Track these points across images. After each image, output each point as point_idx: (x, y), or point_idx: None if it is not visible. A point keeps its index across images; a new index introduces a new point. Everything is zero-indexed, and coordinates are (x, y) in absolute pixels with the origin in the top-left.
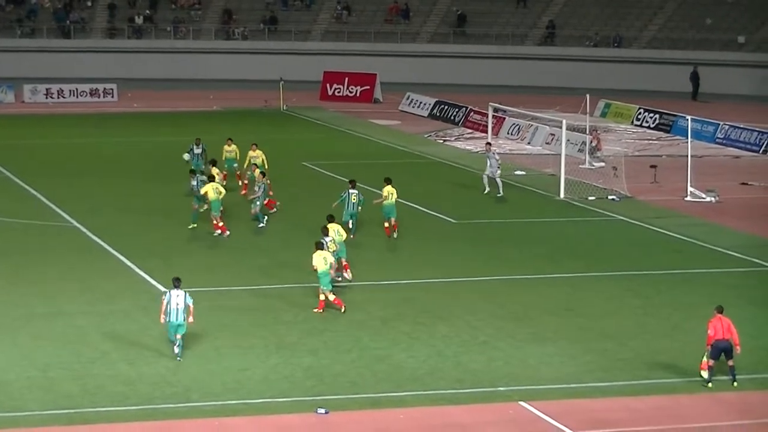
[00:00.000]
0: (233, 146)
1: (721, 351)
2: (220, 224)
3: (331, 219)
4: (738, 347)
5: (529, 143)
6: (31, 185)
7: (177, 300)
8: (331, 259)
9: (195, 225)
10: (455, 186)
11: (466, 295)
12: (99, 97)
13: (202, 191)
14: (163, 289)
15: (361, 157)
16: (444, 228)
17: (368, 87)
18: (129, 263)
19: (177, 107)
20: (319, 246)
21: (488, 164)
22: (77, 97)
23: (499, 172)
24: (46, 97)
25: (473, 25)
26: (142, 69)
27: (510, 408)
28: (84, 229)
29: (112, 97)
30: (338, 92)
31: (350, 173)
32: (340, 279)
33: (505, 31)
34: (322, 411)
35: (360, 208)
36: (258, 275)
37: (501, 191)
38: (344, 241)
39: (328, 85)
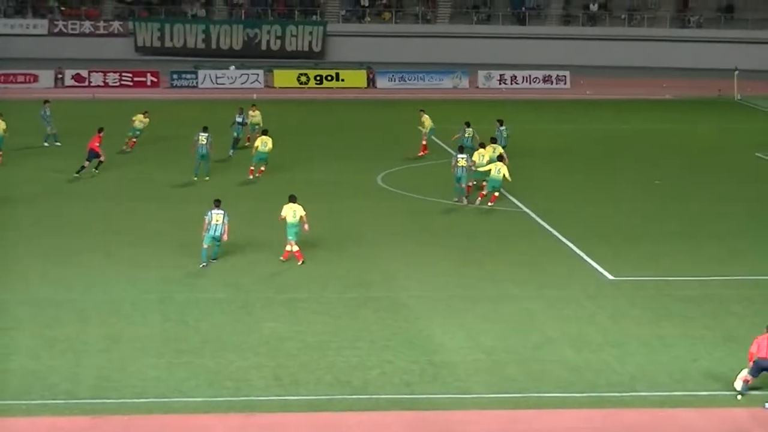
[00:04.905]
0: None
1: (763, 369)
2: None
3: None
4: None
5: None
6: None
7: (217, 217)
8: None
9: None
10: None
11: None
12: (551, 84)
13: None
14: (610, 277)
15: None
16: None
17: None
18: (577, 250)
19: (628, 95)
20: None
21: None
22: (530, 83)
23: None
24: (500, 83)
25: None
26: (596, 56)
27: None
28: (533, 215)
29: (565, 84)
30: None
31: None
32: None
33: None
34: None
35: None
36: (710, 264)
37: None
38: None
39: None
